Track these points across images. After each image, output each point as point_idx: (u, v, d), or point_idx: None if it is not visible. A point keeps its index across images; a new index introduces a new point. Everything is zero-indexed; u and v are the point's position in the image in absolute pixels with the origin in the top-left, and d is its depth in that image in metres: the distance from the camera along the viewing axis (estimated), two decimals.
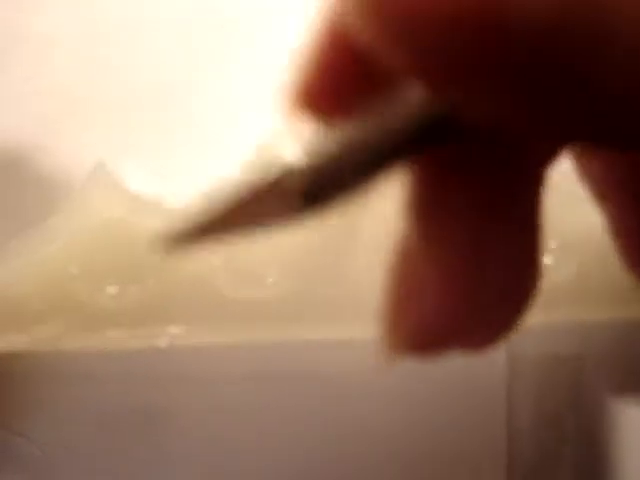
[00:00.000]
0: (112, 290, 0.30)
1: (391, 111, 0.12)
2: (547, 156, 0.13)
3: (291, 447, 0.32)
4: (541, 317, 0.25)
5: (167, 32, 0.33)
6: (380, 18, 0.10)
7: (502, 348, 0.32)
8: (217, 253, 0.30)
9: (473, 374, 0.33)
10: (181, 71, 0.32)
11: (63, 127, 0.32)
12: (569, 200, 0.29)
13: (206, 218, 0.16)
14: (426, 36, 0.10)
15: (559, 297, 0.31)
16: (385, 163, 0.12)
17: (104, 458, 0.32)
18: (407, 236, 0.14)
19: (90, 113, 0.32)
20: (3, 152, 0.32)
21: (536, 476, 0.32)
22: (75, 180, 0.31)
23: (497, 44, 0.10)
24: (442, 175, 0.13)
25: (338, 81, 0.14)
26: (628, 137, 0.11)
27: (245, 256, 0.30)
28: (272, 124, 0.31)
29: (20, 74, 0.33)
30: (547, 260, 0.32)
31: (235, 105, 0.32)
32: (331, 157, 0.13)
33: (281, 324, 0.31)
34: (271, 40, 0.32)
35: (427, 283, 0.14)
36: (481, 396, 0.33)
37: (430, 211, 0.13)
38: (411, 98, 0.12)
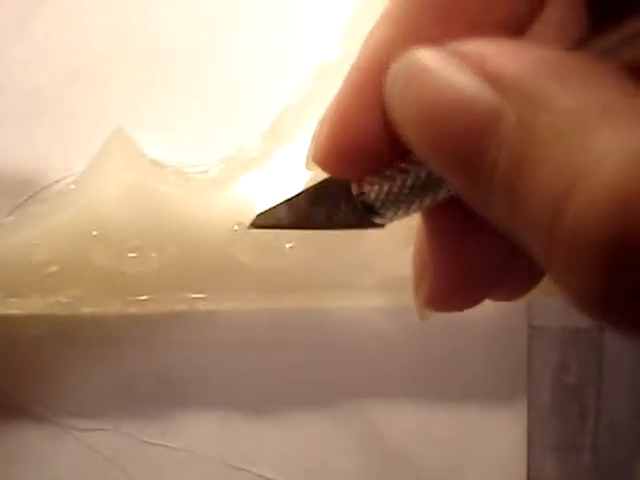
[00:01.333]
0: (132, 255, 0.30)
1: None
2: None
3: (306, 410, 0.32)
4: None
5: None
6: (418, 125, 0.14)
7: (524, 321, 0.32)
8: (235, 221, 0.30)
9: (495, 348, 0.32)
10: (203, 36, 0.31)
11: (82, 87, 0.31)
12: None
13: (281, 209, 0.19)
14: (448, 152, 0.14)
15: None
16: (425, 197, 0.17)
17: (122, 421, 0.32)
18: (420, 231, 0.19)
19: (110, 75, 0.31)
20: (23, 107, 0.32)
21: (559, 451, 0.32)
22: (93, 143, 0.31)
23: None
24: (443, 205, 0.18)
25: (366, 140, 0.17)
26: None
27: None
28: (290, 92, 0.31)
29: (44, 33, 0.32)
30: None
31: (255, 72, 0.31)
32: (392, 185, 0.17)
33: (298, 291, 0.31)
34: (291, 5, 0.32)
35: (430, 267, 0.18)
36: (502, 371, 0.32)
37: (433, 220, 0.18)
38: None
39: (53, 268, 0.30)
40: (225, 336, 0.32)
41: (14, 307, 0.30)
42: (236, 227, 0.30)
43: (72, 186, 0.30)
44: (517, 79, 0.13)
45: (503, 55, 0.14)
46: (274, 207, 0.19)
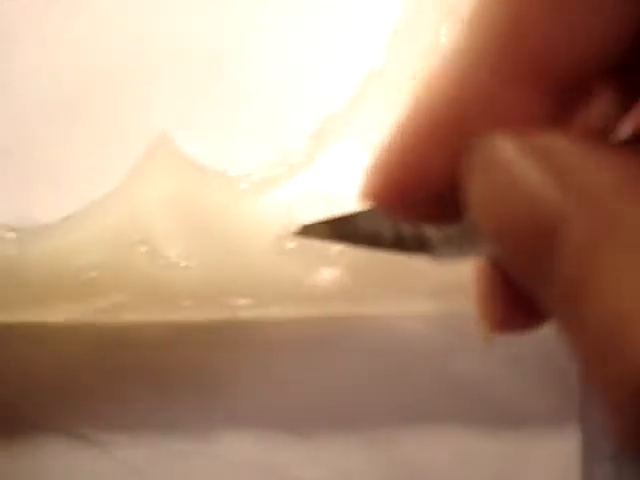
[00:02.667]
0: (175, 261, 0.29)
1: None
2: None
3: (344, 429, 0.31)
4: None
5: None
6: (487, 210, 0.15)
7: None
8: (281, 227, 0.29)
9: (545, 365, 0.32)
10: (247, 37, 0.31)
11: (124, 90, 0.31)
12: None
13: (330, 224, 0.18)
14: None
15: None
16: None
17: (156, 431, 0.31)
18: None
19: (151, 78, 0.31)
20: (62, 111, 0.32)
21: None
22: (136, 147, 0.30)
23: None
24: None
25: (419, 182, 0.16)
26: None
27: None
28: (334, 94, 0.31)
29: (79, 36, 0.32)
30: None
31: (301, 76, 0.31)
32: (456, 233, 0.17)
33: (346, 298, 0.30)
34: (339, 10, 0.32)
35: (495, 289, 0.18)
36: (552, 391, 0.32)
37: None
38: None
39: (93, 273, 0.30)
40: (267, 344, 0.31)
41: (52, 314, 0.30)
42: (281, 232, 0.29)
43: (116, 190, 0.30)
44: (594, 193, 0.13)
45: (584, 162, 0.14)
46: (323, 221, 0.19)
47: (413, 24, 0.31)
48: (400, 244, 0.18)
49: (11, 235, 0.30)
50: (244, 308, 0.29)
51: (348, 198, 0.30)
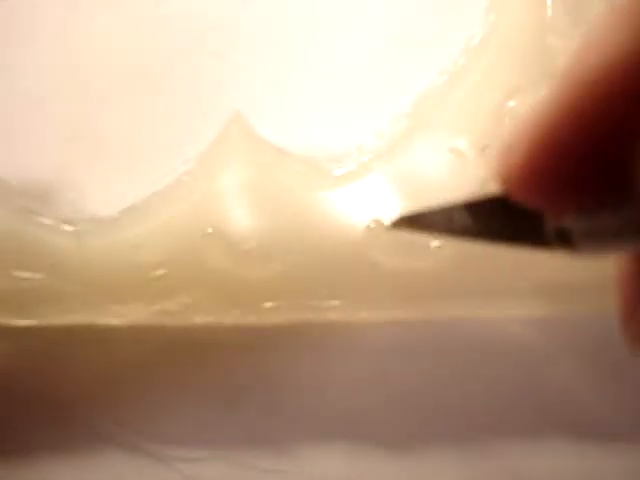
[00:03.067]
0: (253, 257, 0.26)
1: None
2: None
3: (437, 442, 0.28)
4: None
5: None
6: None
7: None
8: (371, 217, 0.26)
9: None
10: (330, 9, 0.28)
11: (195, 63, 0.28)
12: None
13: (433, 215, 0.17)
14: None
15: None
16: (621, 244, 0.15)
17: (230, 445, 0.28)
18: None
19: (226, 51, 0.28)
20: (124, 81, 0.28)
21: None
22: (208, 129, 0.27)
23: None
24: None
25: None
26: None
27: None
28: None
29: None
30: None
31: (393, 47, 0.27)
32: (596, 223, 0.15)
33: (444, 297, 0.27)
34: None
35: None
36: None
37: None
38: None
39: (160, 271, 0.26)
40: (357, 349, 0.27)
41: (115, 315, 0.27)
42: (372, 224, 0.26)
43: (185, 177, 0.26)
44: None
45: None
46: (425, 212, 0.17)
47: None
48: (522, 237, 0.16)
49: (68, 228, 0.27)
50: (333, 310, 0.26)
51: (442, 186, 0.27)
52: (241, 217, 0.26)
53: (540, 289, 0.26)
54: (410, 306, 0.26)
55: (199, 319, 0.26)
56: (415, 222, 0.18)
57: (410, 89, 0.27)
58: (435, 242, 0.26)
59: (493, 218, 0.16)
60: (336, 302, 0.26)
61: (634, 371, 0.28)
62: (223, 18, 0.29)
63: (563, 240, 0.16)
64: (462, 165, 0.26)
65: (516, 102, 0.27)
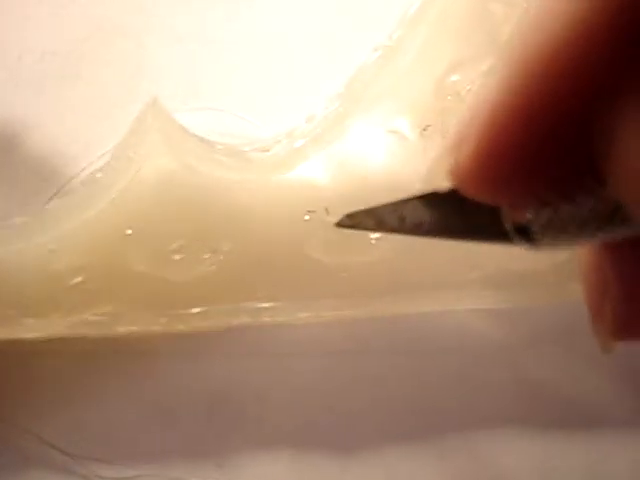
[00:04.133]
0: (178, 258, 0.24)
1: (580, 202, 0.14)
2: None
3: (398, 442, 0.26)
4: None
5: None
6: None
7: None
8: (306, 209, 0.24)
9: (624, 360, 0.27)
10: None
11: (109, 46, 0.25)
12: None
13: (383, 211, 0.17)
14: None
15: None
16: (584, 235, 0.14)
17: (169, 459, 0.26)
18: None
19: (143, 31, 0.25)
20: (40, 71, 0.26)
21: None
22: (123, 118, 0.25)
23: None
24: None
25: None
26: None
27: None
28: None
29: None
30: None
31: (324, 23, 0.25)
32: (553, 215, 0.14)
33: (387, 293, 0.25)
34: None
35: (616, 285, 0.15)
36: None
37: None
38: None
39: (77, 279, 0.24)
40: (294, 348, 0.25)
41: (31, 330, 0.24)
42: (307, 217, 0.24)
43: (99, 174, 0.24)
44: None
45: None
46: (374, 208, 0.16)
47: None
48: (478, 231, 0.16)
49: None
50: (269, 311, 0.24)
51: (383, 170, 0.25)
52: (163, 215, 0.24)
53: (490, 279, 0.25)
54: (352, 304, 0.24)
55: (122, 329, 0.24)
56: (364, 219, 0.17)
57: (344, 68, 0.24)
58: (375, 235, 0.24)
59: (446, 213, 0.16)
60: (272, 303, 0.24)
61: (602, 357, 0.27)
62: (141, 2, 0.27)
63: (522, 234, 0.15)
64: (403, 147, 0.24)
65: (459, 76, 0.25)
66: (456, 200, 0.15)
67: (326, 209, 0.24)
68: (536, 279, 0.25)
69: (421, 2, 0.25)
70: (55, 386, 0.25)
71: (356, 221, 0.17)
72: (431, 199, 0.16)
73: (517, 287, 0.25)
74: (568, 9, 0.12)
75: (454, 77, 0.25)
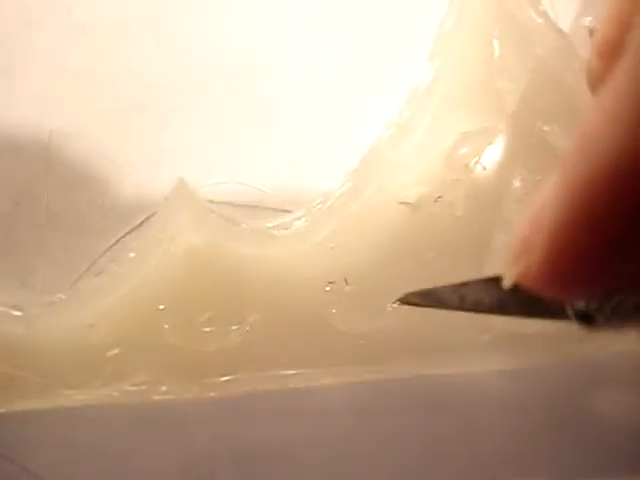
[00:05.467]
0: (208, 330, 0.25)
1: None
2: None
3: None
4: None
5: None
6: None
7: None
8: (327, 281, 0.25)
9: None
10: (274, 64, 0.27)
11: (129, 125, 0.27)
12: None
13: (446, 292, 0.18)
14: None
15: None
16: None
17: None
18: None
19: (164, 111, 0.27)
20: (64, 159, 0.28)
21: None
22: (150, 195, 0.26)
23: None
24: None
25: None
26: None
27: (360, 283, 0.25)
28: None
29: (84, 64, 0.28)
30: None
31: (337, 103, 0.27)
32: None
33: (403, 357, 0.26)
34: (373, 25, 0.27)
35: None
36: None
37: None
38: None
39: (114, 351, 0.26)
40: (319, 407, 0.27)
41: (71, 400, 0.26)
42: (328, 287, 0.25)
43: (131, 254, 0.26)
44: None
45: None
46: (435, 289, 0.18)
47: (459, 30, 0.26)
48: (539, 313, 0.17)
49: (16, 313, 0.26)
50: (294, 378, 0.25)
51: (396, 241, 0.26)
52: (193, 290, 0.25)
53: (500, 341, 0.26)
54: (371, 368, 0.26)
55: (158, 397, 0.26)
56: (423, 298, 0.18)
57: (358, 144, 0.26)
58: (391, 303, 0.25)
59: (504, 296, 0.17)
60: (296, 371, 0.25)
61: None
62: (162, 76, 0.28)
63: (584, 318, 0.16)
64: (415, 217, 0.26)
65: (467, 149, 0.26)
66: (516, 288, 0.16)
67: (345, 280, 0.26)
68: (544, 341, 0.26)
69: (429, 79, 0.26)
70: (96, 450, 0.27)
71: (419, 300, 0.19)
72: (493, 283, 0.17)
73: (526, 348, 0.26)
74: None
75: (463, 150, 0.26)
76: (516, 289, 0.16)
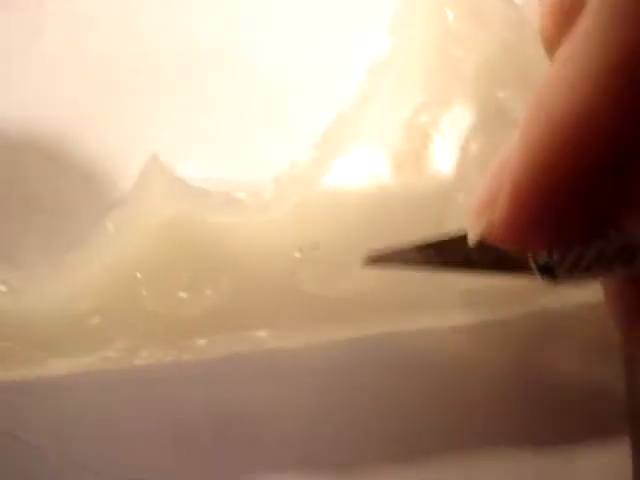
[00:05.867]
0: (184, 295, 0.27)
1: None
2: None
3: (397, 460, 0.29)
4: None
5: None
6: None
7: None
8: (296, 247, 0.26)
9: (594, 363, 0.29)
10: (235, 40, 0.28)
11: (101, 108, 0.28)
12: None
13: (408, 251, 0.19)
14: None
15: None
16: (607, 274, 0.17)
17: (183, 468, 0.28)
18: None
19: (134, 91, 0.28)
20: (43, 142, 0.29)
21: None
22: (125, 173, 0.28)
23: None
24: None
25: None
26: None
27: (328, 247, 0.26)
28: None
29: (56, 47, 0.29)
30: None
31: (300, 77, 0.28)
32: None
33: (374, 316, 0.27)
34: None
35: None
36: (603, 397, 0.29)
37: None
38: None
39: (96, 319, 0.27)
40: (293, 370, 0.28)
41: (57, 368, 0.27)
42: (297, 253, 0.27)
43: (109, 226, 0.27)
44: None
45: None
46: (398, 248, 0.19)
47: (416, 7, 0.28)
48: (500, 267, 0.18)
49: (1, 288, 0.27)
50: (266, 339, 0.27)
51: (363, 208, 0.27)
52: (168, 258, 0.27)
53: (467, 297, 0.27)
54: (341, 329, 0.27)
55: (139, 362, 0.27)
56: (388, 258, 0.19)
57: (322, 115, 0.27)
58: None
59: (471, 251, 0.18)
60: (269, 331, 0.27)
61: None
62: (133, 57, 0.29)
63: (546, 272, 0.17)
64: (379, 185, 0.27)
65: (427, 117, 0.27)
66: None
67: (314, 244, 0.27)
68: (509, 295, 0.27)
69: (387, 52, 0.27)
70: (82, 415, 0.28)
71: (384, 259, 0.19)
72: (454, 240, 0.18)
73: (491, 303, 0.28)
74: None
75: (423, 118, 0.27)
76: (481, 245, 0.17)
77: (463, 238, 0.17)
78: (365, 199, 0.27)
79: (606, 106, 0.14)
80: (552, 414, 0.28)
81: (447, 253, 0.18)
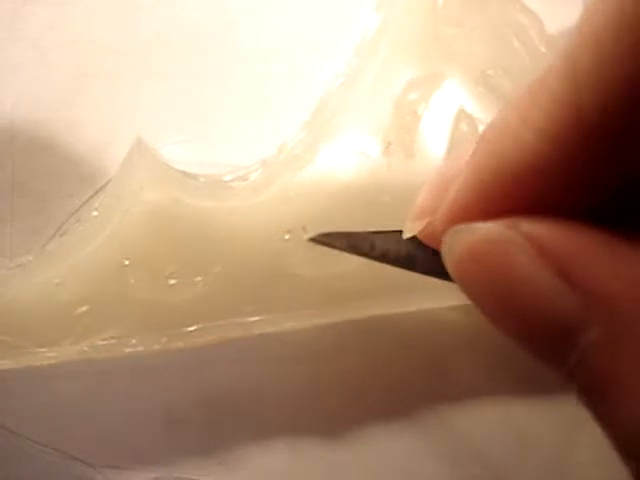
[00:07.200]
0: (173, 282, 0.26)
1: None
2: None
3: (381, 425, 0.29)
4: None
5: None
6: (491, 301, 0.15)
7: None
8: (285, 229, 0.26)
9: None
10: (223, 19, 0.27)
11: (88, 91, 0.27)
12: None
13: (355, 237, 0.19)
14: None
15: None
16: None
17: (172, 460, 0.28)
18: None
19: (119, 75, 0.28)
20: (28, 128, 0.28)
21: None
22: (111, 157, 0.27)
23: None
24: None
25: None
26: None
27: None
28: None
29: (39, 29, 0.29)
30: None
31: (287, 56, 0.27)
32: None
33: (363, 299, 0.27)
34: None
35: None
36: None
37: None
38: None
39: (83, 308, 0.26)
40: (283, 353, 0.28)
41: (45, 358, 0.27)
42: (287, 236, 0.26)
43: (94, 212, 0.26)
44: (606, 294, 0.13)
45: (589, 259, 0.13)
46: (347, 232, 0.19)
47: None
48: (432, 270, 0.18)
49: None
50: (256, 325, 0.26)
51: (352, 190, 0.27)
52: (156, 245, 0.26)
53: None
54: (331, 312, 0.26)
55: (128, 350, 0.27)
56: (338, 240, 0.19)
57: (310, 96, 0.27)
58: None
59: (410, 249, 0.18)
60: (259, 317, 0.26)
61: None
62: (117, 41, 0.29)
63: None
64: (369, 165, 0.27)
65: (415, 95, 0.27)
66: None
67: (303, 228, 0.26)
68: None
69: (375, 29, 0.27)
70: (71, 404, 0.28)
71: (330, 240, 0.19)
72: (399, 235, 0.18)
73: None
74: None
75: (411, 96, 0.27)
76: (422, 245, 0.18)
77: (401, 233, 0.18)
78: (354, 181, 0.27)
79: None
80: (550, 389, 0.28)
81: (389, 246, 0.19)
